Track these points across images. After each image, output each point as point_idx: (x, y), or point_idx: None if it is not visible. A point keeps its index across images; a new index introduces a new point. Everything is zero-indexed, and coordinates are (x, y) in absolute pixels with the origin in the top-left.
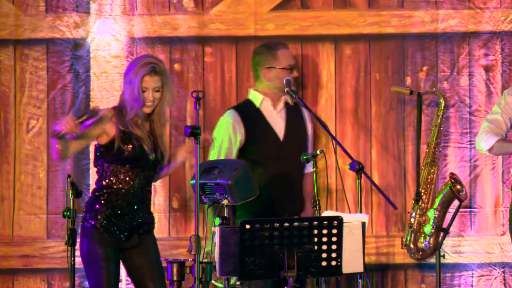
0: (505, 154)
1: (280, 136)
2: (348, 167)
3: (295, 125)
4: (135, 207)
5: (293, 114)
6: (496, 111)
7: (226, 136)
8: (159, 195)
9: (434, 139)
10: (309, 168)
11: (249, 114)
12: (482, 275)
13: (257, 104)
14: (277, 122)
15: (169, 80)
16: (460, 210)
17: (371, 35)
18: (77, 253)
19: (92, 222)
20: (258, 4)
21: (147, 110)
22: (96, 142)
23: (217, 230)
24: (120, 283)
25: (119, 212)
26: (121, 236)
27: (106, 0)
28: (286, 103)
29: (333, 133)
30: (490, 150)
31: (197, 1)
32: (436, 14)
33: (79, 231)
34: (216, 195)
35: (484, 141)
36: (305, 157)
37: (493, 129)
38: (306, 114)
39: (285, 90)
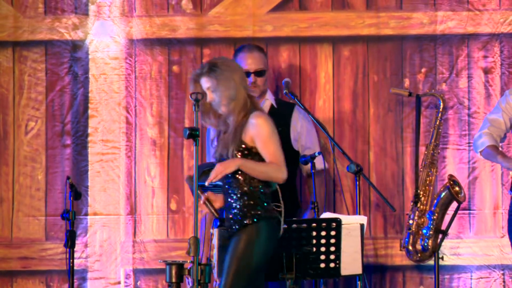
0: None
1: None
2: (347, 169)
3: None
4: (226, 206)
5: (276, 118)
6: (496, 110)
7: None
8: (157, 197)
9: (433, 141)
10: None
11: None
12: (481, 277)
13: None
14: None
15: (218, 73)
16: (459, 212)
17: (369, 37)
18: (76, 255)
19: None
20: (256, 5)
21: (221, 110)
22: None
23: (215, 232)
24: (118, 285)
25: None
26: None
27: (104, 2)
28: (272, 106)
29: (331, 135)
30: (481, 152)
31: (196, 3)
32: (435, 16)
33: None
34: None
35: (478, 142)
36: (303, 159)
37: (492, 130)
38: (297, 117)
39: (284, 92)
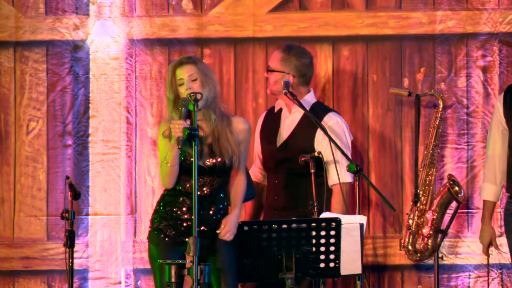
0: None
1: (279, 143)
2: (347, 168)
3: (300, 134)
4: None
5: (308, 124)
6: (492, 137)
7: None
8: (157, 197)
9: (432, 140)
10: (335, 180)
11: (271, 116)
12: (479, 276)
13: (277, 107)
14: (286, 127)
15: (205, 67)
16: (457, 211)
17: (368, 36)
18: (76, 254)
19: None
20: (256, 5)
21: (202, 104)
22: None
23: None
24: (119, 285)
25: (174, 215)
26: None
27: (105, 2)
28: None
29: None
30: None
31: (196, 3)
32: (434, 15)
33: None
34: None
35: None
36: (303, 159)
37: (488, 172)
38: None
39: (284, 92)
